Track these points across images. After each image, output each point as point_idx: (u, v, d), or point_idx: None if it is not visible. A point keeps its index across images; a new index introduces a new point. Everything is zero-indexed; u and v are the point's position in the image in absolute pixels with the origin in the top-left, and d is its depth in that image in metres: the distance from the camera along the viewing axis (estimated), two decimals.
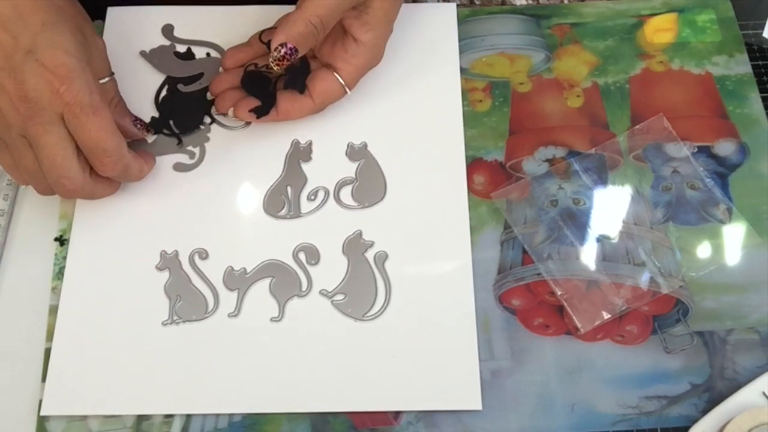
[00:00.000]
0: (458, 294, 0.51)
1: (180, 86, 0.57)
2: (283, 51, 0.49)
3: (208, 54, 0.59)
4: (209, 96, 0.56)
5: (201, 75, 0.58)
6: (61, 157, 0.46)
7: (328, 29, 0.50)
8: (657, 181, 0.55)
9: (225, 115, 0.55)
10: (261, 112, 0.53)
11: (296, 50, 0.50)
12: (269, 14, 0.60)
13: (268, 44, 0.53)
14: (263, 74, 0.54)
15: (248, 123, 0.56)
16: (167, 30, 0.60)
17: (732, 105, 0.57)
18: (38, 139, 0.45)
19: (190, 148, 0.56)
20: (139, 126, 0.54)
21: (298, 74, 0.53)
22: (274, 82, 0.54)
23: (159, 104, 0.57)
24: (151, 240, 0.53)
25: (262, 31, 0.55)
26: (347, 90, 0.54)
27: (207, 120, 0.57)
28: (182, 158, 0.55)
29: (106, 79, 0.52)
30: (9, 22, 0.44)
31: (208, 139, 0.56)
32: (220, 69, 0.57)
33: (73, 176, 0.47)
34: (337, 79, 0.53)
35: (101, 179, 0.49)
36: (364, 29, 0.51)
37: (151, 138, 0.55)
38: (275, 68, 0.50)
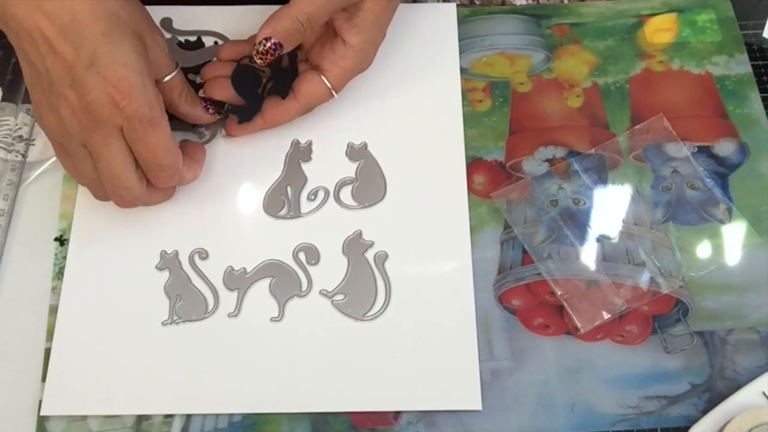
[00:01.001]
0: (458, 294, 0.51)
1: (190, 76, 0.57)
2: (267, 45, 0.49)
3: (216, 42, 0.59)
4: (200, 81, 0.56)
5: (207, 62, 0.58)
6: (120, 169, 0.47)
7: (315, 28, 0.50)
8: (657, 181, 0.55)
9: (212, 99, 0.54)
10: (244, 116, 0.53)
11: (281, 46, 0.49)
12: (268, 14, 0.60)
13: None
14: (254, 71, 0.54)
15: None
16: (166, 23, 0.60)
17: (732, 105, 0.57)
18: (98, 151, 0.46)
19: (202, 129, 0.56)
20: (211, 111, 0.53)
21: (284, 79, 0.53)
22: (264, 83, 0.54)
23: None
24: (151, 240, 0.53)
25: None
26: (334, 93, 0.53)
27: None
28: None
29: (173, 74, 0.51)
30: (70, 33, 0.44)
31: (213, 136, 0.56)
32: (214, 59, 0.56)
33: (131, 187, 0.48)
34: (324, 82, 0.52)
35: (156, 189, 0.50)
36: (353, 32, 0.51)
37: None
38: (258, 61, 0.50)
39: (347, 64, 0.52)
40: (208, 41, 0.59)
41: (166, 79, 0.50)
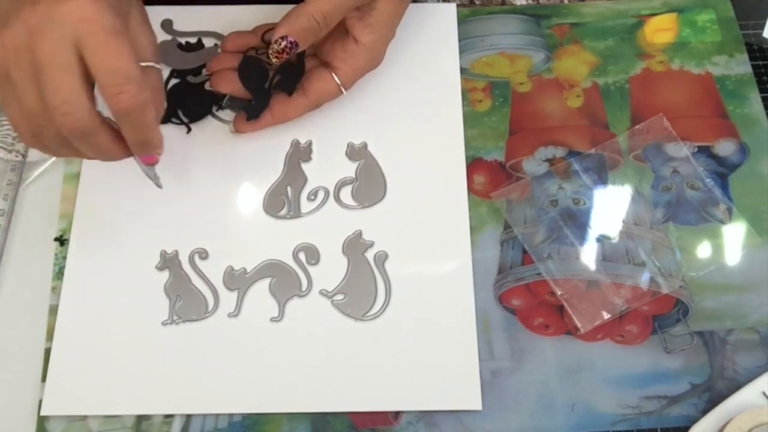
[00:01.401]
0: (458, 294, 0.51)
1: (189, 77, 0.57)
2: (283, 44, 0.49)
3: (216, 45, 0.59)
4: (205, 73, 0.56)
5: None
6: (68, 79, 0.40)
7: (330, 26, 0.50)
8: (657, 181, 0.55)
9: (218, 92, 0.53)
10: (252, 113, 0.53)
11: (296, 44, 0.49)
12: (268, 13, 0.60)
13: (267, 43, 0.52)
14: (261, 63, 0.53)
15: None
16: (167, 24, 0.60)
17: (732, 105, 0.57)
18: (44, 57, 0.39)
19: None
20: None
21: (292, 76, 0.53)
22: (272, 76, 0.53)
23: (167, 94, 0.57)
24: (151, 240, 0.53)
25: (267, 29, 0.54)
26: (343, 90, 0.53)
27: (214, 109, 0.57)
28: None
29: (151, 63, 0.46)
30: None
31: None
32: (218, 50, 0.56)
33: (80, 103, 0.40)
34: (334, 79, 0.52)
35: (107, 125, 0.43)
36: (366, 31, 0.51)
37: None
38: (274, 61, 0.50)
39: (358, 62, 0.52)
40: (208, 42, 0.59)
41: (142, 64, 0.44)
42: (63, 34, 0.39)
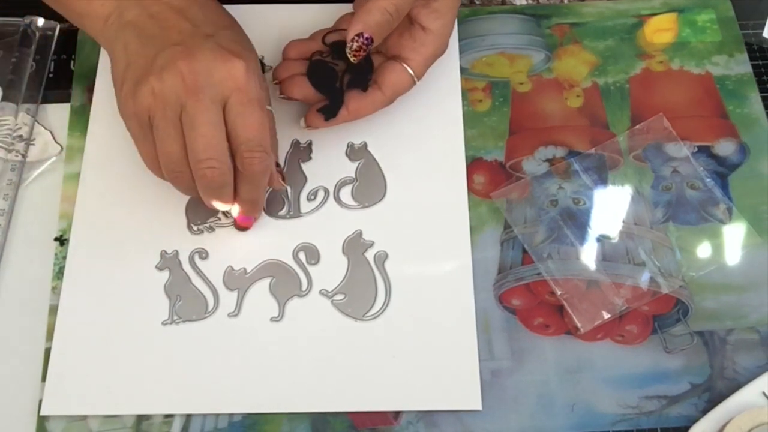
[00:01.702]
0: (458, 294, 0.51)
1: None
2: (360, 41, 0.49)
3: None
4: (272, 81, 0.55)
5: None
6: (218, 138, 0.44)
7: (401, 17, 0.50)
8: (657, 180, 0.55)
9: (289, 99, 0.53)
10: (329, 113, 0.52)
11: (372, 40, 0.49)
12: (268, 13, 0.60)
13: (330, 46, 0.53)
14: (329, 66, 0.53)
15: None
16: None
17: (732, 105, 0.57)
18: (196, 116, 0.44)
19: None
20: (281, 176, 0.51)
21: (363, 73, 0.52)
22: (341, 76, 0.53)
23: None
24: (151, 240, 0.53)
25: (326, 32, 0.54)
26: (416, 80, 0.53)
27: None
28: None
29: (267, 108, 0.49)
30: (191, 13, 0.45)
31: None
32: (270, 69, 0.57)
33: (224, 160, 0.45)
34: (407, 70, 0.52)
35: (245, 179, 0.47)
36: (432, 17, 0.51)
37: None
38: (352, 59, 0.49)
39: (428, 50, 0.52)
40: None
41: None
42: (217, 95, 0.44)
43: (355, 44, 0.49)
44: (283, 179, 0.51)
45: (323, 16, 0.58)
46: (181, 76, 0.44)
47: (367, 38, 0.49)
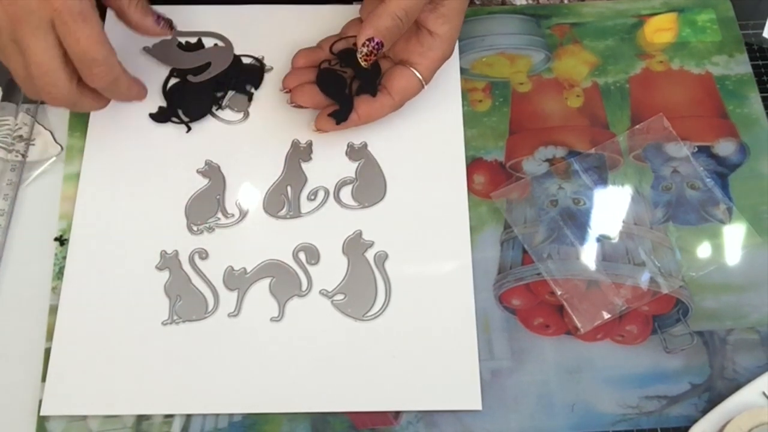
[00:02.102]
0: (458, 294, 0.51)
1: (190, 77, 0.57)
2: (370, 46, 0.49)
3: (215, 45, 0.59)
4: (282, 90, 0.56)
5: (208, 65, 0.58)
6: (48, 64, 0.46)
7: (411, 22, 0.50)
8: (657, 180, 0.55)
9: (300, 106, 0.54)
10: (340, 117, 0.52)
11: (382, 45, 0.49)
12: (268, 13, 0.60)
13: (338, 54, 0.53)
14: (338, 74, 0.54)
15: (246, 116, 0.56)
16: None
17: (732, 105, 0.57)
18: (26, 43, 0.45)
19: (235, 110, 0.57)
20: (162, 24, 0.53)
21: (371, 78, 0.53)
22: (350, 83, 0.53)
23: (166, 94, 0.57)
24: (151, 240, 0.53)
25: (333, 41, 0.55)
26: (424, 84, 0.53)
27: (213, 108, 0.57)
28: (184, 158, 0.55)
29: None
30: None
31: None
32: (271, 70, 0.57)
33: (60, 84, 0.47)
34: (415, 74, 0.52)
35: (89, 91, 0.49)
36: (440, 21, 0.51)
37: (170, 36, 0.55)
38: (363, 63, 0.50)
39: (436, 54, 0.52)
40: (207, 42, 0.59)
41: None
42: (40, 20, 0.45)
43: (366, 49, 0.49)
44: (170, 27, 0.54)
45: (324, 17, 0.59)
46: (4, 6, 0.45)
47: (377, 43, 0.49)
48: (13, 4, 0.44)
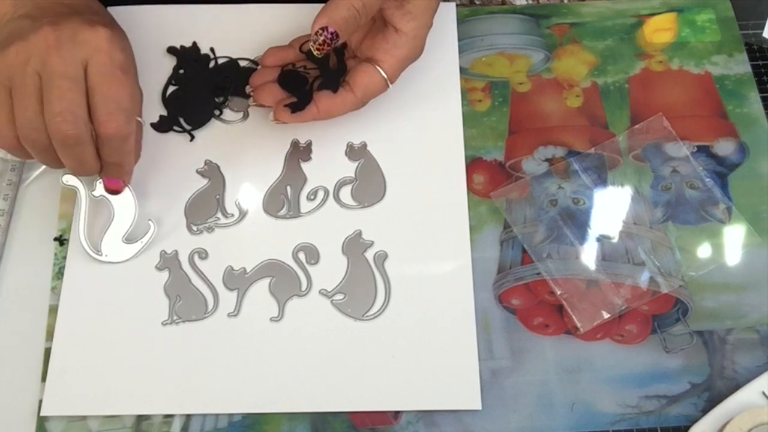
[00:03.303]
0: (458, 294, 0.51)
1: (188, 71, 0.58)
2: (324, 35, 0.49)
3: (212, 48, 0.59)
4: (248, 89, 0.56)
5: (207, 68, 0.58)
6: (73, 92, 0.45)
7: (370, 15, 0.50)
8: (656, 180, 0.55)
9: (262, 105, 0.55)
10: (296, 108, 0.52)
11: (337, 35, 0.49)
12: (268, 13, 0.60)
13: (306, 53, 0.53)
14: (300, 74, 0.54)
15: (246, 116, 0.57)
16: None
17: (731, 104, 0.57)
18: (54, 70, 0.44)
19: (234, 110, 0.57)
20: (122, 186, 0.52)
21: (334, 75, 0.53)
22: (311, 82, 0.54)
23: (166, 101, 0.57)
24: (151, 240, 0.53)
25: (304, 41, 0.55)
26: (389, 83, 0.53)
27: (216, 112, 0.57)
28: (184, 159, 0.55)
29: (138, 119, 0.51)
30: (74, 3, 0.47)
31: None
32: (259, 66, 0.57)
33: (77, 115, 0.45)
34: (379, 72, 0.52)
35: (92, 141, 0.47)
36: (405, 19, 0.51)
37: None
38: (316, 53, 0.49)
39: (401, 52, 0.52)
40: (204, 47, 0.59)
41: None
42: (78, 53, 0.45)
43: (320, 38, 0.49)
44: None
45: None
46: (45, 37, 0.44)
47: (332, 33, 0.49)
48: (57, 32, 0.45)
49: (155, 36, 0.59)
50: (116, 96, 0.46)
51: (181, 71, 0.58)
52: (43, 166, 0.56)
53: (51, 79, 0.44)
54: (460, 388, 0.48)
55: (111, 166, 0.49)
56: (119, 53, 0.46)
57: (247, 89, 0.57)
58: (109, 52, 0.46)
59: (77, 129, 0.45)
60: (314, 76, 0.54)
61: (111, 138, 0.46)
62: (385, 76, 0.52)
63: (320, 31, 0.49)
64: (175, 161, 0.55)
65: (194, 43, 0.59)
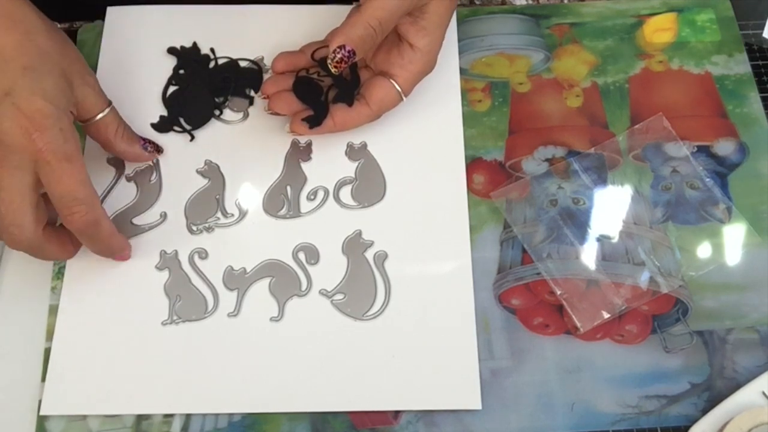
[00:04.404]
0: (458, 294, 0.51)
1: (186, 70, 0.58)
2: (341, 53, 0.49)
3: (212, 49, 0.59)
4: (260, 96, 0.56)
5: (207, 68, 0.58)
6: (18, 203, 0.45)
7: (386, 33, 0.50)
8: (656, 180, 0.55)
9: (277, 114, 0.54)
10: (313, 122, 0.53)
11: (354, 53, 0.49)
12: (268, 13, 0.60)
13: (319, 62, 0.53)
14: (314, 82, 0.54)
15: (246, 116, 0.57)
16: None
17: (731, 104, 0.57)
18: (0, 181, 0.44)
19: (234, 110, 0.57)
20: (149, 149, 0.53)
21: (348, 88, 0.53)
22: (326, 91, 0.54)
23: (166, 101, 0.57)
24: (151, 240, 0.53)
25: (316, 48, 0.55)
26: (403, 97, 0.53)
27: (216, 112, 0.57)
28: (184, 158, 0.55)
29: (106, 110, 0.50)
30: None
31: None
32: (270, 72, 0.57)
33: (25, 226, 0.45)
34: (394, 86, 0.53)
35: (55, 239, 0.48)
36: (420, 35, 0.51)
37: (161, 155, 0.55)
38: (333, 71, 0.50)
39: (416, 67, 0.52)
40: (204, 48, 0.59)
41: (99, 117, 0.50)
42: (22, 161, 0.44)
43: (337, 56, 0.49)
44: (158, 150, 0.54)
45: (323, 17, 0.58)
46: None
47: (349, 51, 0.49)
48: None
49: (155, 36, 0.59)
50: (68, 189, 0.45)
51: (182, 71, 0.58)
52: None
53: None
54: (460, 388, 0.48)
55: (101, 253, 0.50)
56: (58, 144, 0.44)
57: (260, 96, 0.56)
58: (48, 149, 0.44)
59: (27, 240, 0.46)
60: (328, 85, 0.54)
61: (81, 230, 0.47)
62: (400, 90, 0.53)
63: (338, 49, 0.49)
64: (175, 161, 0.55)
65: (194, 44, 0.59)
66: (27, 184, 0.45)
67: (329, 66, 0.50)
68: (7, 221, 0.45)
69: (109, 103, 0.51)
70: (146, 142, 0.53)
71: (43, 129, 0.44)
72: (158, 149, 0.54)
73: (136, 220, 0.53)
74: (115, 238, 0.49)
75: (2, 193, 0.45)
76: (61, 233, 0.48)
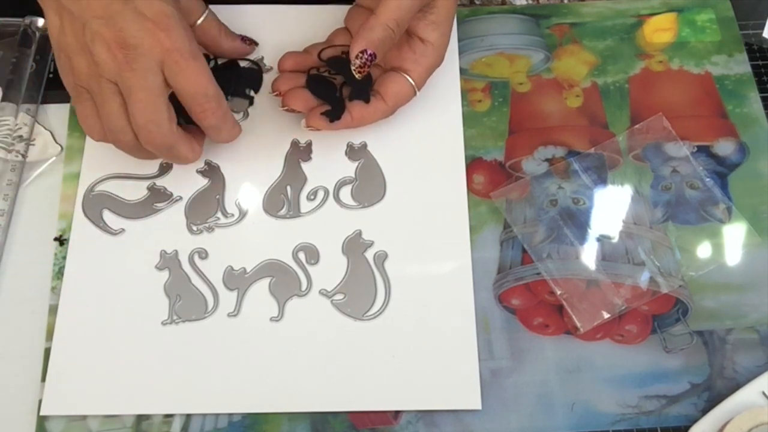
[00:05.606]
0: (458, 294, 0.51)
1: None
2: (364, 58, 0.50)
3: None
4: (272, 93, 0.56)
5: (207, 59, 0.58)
6: (154, 103, 0.46)
7: (402, 31, 0.51)
8: (656, 180, 0.55)
9: (292, 111, 0.54)
10: (333, 116, 0.52)
11: (375, 56, 0.50)
12: (267, 13, 0.60)
13: (327, 61, 0.53)
14: (328, 80, 0.54)
15: (246, 116, 0.57)
16: None
17: (731, 104, 0.57)
18: (133, 84, 0.45)
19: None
20: (247, 42, 0.57)
21: (364, 86, 0.53)
22: (340, 87, 0.54)
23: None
24: (151, 240, 0.53)
25: (321, 48, 0.55)
26: (416, 91, 0.54)
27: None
28: None
29: (204, 14, 0.54)
30: None
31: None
32: (270, 72, 0.58)
33: (162, 123, 0.47)
34: (408, 81, 0.53)
35: (183, 138, 0.49)
36: (430, 28, 0.52)
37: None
38: (357, 75, 0.50)
39: (428, 61, 0.53)
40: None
41: (200, 21, 0.53)
42: (149, 62, 0.46)
43: (359, 61, 0.50)
44: (255, 43, 0.58)
45: (323, 17, 0.59)
46: (111, 51, 0.45)
47: (370, 54, 0.50)
48: (123, 47, 0.45)
49: None
50: (198, 87, 0.47)
51: None
52: (43, 167, 0.56)
53: (129, 93, 0.46)
54: (460, 388, 0.48)
55: (222, 140, 0.52)
56: (184, 43, 0.46)
57: (272, 93, 0.56)
58: (174, 48, 0.46)
59: (163, 137, 0.47)
60: (340, 82, 0.54)
61: (213, 126, 0.49)
62: (414, 84, 0.53)
63: (360, 54, 0.50)
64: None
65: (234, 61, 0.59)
66: (159, 84, 0.46)
67: (354, 72, 0.50)
68: (144, 119, 0.46)
69: (207, 7, 0.54)
70: (244, 38, 0.57)
71: (168, 29, 0.46)
72: (254, 42, 0.58)
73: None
74: (237, 127, 0.52)
75: (139, 93, 0.46)
76: (189, 132, 0.50)
